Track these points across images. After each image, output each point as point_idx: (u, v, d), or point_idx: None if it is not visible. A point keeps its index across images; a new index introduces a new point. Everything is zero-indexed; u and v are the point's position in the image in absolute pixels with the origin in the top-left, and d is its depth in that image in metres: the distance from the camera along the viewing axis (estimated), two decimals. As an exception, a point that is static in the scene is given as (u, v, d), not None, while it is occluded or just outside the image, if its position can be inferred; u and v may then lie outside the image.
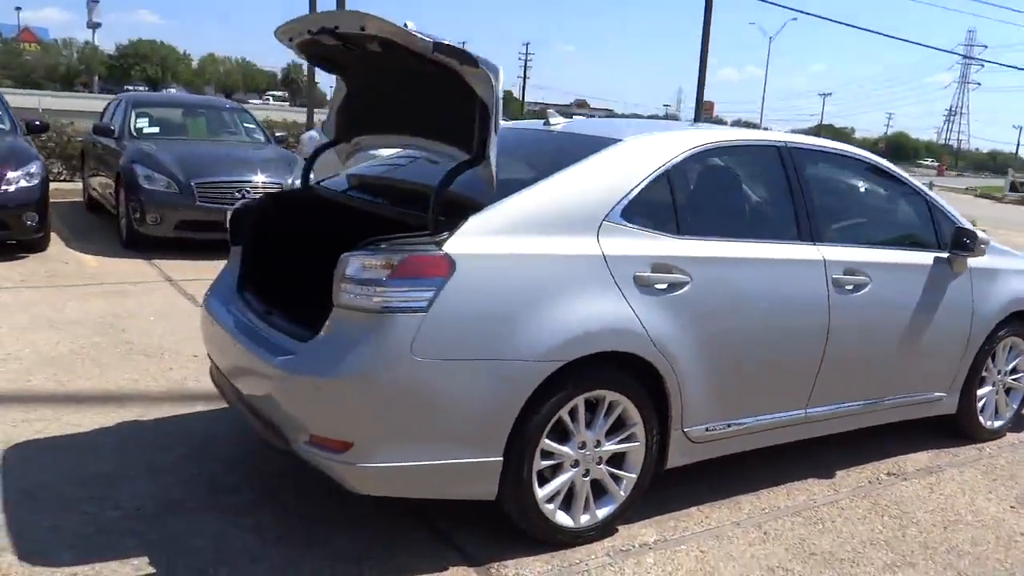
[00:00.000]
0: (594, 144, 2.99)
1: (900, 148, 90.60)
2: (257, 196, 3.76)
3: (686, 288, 2.86)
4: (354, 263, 2.45)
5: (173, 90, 51.20)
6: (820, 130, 72.69)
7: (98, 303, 5.52)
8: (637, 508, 2.96)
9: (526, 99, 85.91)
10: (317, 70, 7.05)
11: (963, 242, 3.71)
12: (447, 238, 2.49)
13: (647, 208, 2.88)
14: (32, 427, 3.44)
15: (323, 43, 2.96)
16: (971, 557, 2.95)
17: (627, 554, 2.80)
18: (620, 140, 3.00)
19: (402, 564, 2.63)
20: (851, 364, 3.41)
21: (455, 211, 2.57)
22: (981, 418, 4.07)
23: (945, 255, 3.72)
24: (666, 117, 63.64)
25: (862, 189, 3.95)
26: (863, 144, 44.23)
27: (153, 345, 4.68)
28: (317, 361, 2.49)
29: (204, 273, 6.74)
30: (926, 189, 3.92)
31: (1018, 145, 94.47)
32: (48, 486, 2.95)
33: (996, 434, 4.15)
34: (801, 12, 35.86)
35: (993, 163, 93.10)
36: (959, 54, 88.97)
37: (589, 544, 2.83)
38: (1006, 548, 3.04)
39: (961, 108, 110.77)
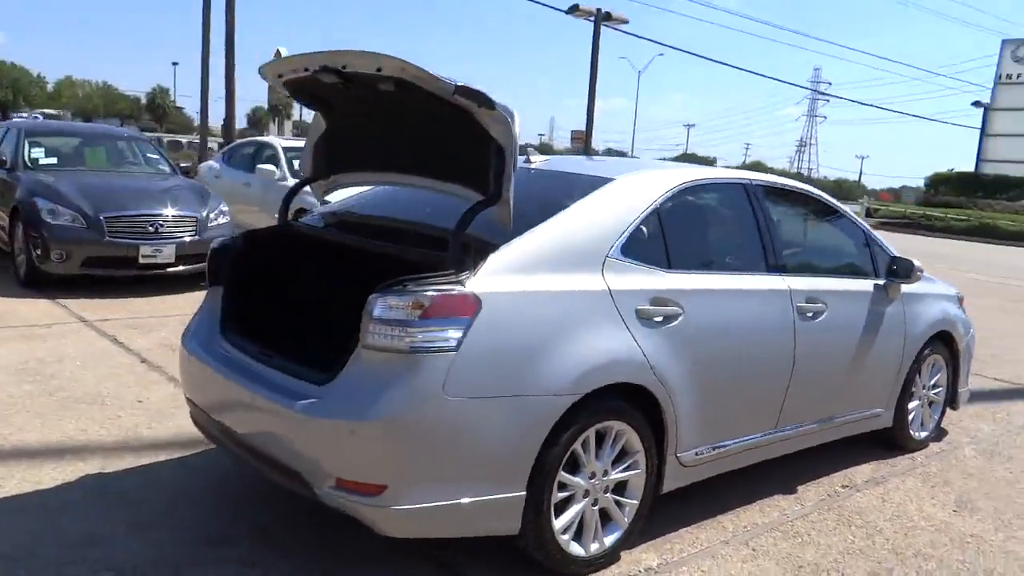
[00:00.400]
0: (589, 183, 3.11)
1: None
2: (234, 235, 3.66)
3: (679, 320, 3.01)
4: (382, 304, 2.45)
5: (28, 115, 47.84)
6: (685, 159, 76.46)
7: (14, 348, 5.14)
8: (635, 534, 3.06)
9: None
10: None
11: (898, 270, 4.07)
12: (469, 277, 2.53)
13: (642, 244, 3.02)
14: (-14, 487, 3.19)
15: (319, 81, 2.94)
16: (936, 560, 3.22)
17: (638, 579, 2.89)
18: (613, 179, 3.13)
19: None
20: (812, 385, 3.67)
21: (466, 250, 2.62)
22: (911, 430, 4.44)
23: (882, 282, 4.08)
24: (541, 146, 64.96)
25: (812, 222, 4.27)
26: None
27: (90, 392, 4.41)
28: (347, 404, 2.46)
29: (118, 312, 6.41)
30: (863, 222, 4.28)
31: (860, 173, 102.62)
32: (27, 549, 2.74)
33: (923, 444, 4.54)
34: (669, 47, 37.77)
35: (840, 190, 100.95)
36: (807, 87, 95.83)
37: (599, 572, 2.90)
38: (961, 549, 3.34)
39: (810, 140, 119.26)
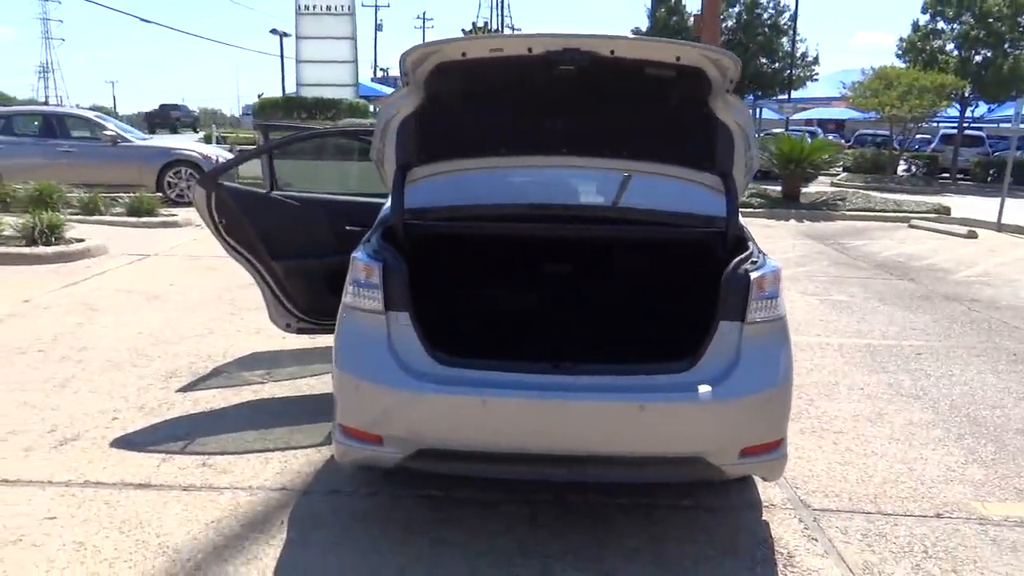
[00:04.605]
0: None
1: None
2: (393, 249, 3.02)
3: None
4: (760, 282, 2.72)
5: None
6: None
7: None
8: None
9: None
10: None
11: None
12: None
13: None
14: None
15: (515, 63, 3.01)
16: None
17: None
18: None
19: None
20: None
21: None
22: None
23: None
24: None
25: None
26: None
27: None
28: (751, 378, 2.71)
29: None
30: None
31: (115, 100, 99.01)
32: None
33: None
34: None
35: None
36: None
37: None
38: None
39: (52, 65, 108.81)
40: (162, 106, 57.51)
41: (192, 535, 3.40)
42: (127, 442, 4.34)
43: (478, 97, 3.51)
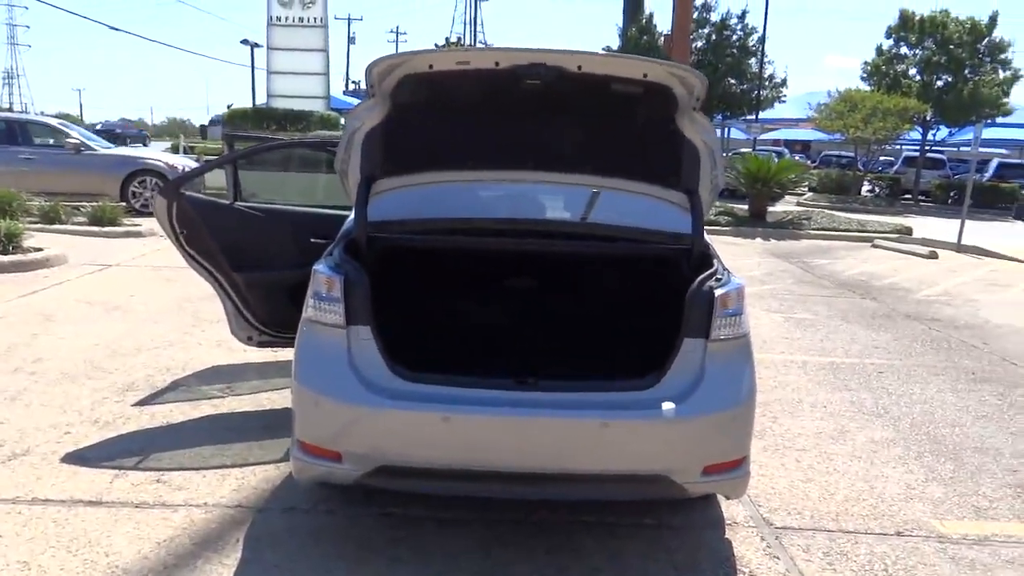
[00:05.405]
0: None
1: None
2: (355, 263, 2.94)
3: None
4: (724, 299, 2.72)
5: None
6: None
7: None
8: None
9: None
10: None
11: None
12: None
13: None
14: None
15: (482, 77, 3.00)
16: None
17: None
18: None
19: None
20: None
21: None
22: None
23: None
24: None
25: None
26: None
27: None
28: (717, 395, 2.70)
29: None
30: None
31: (82, 108, 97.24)
32: None
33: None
34: None
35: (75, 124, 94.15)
36: None
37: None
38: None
39: (18, 71, 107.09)
40: (105, 124, 55.76)
41: (143, 554, 3.30)
42: (79, 457, 4.22)
43: (445, 110, 3.49)
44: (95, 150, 15.37)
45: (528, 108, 3.41)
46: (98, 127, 45.73)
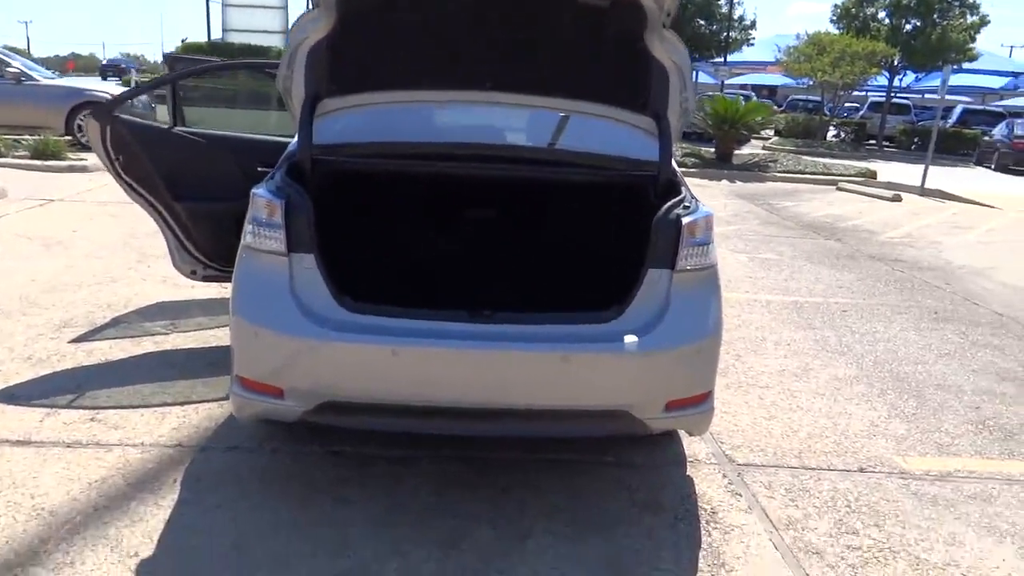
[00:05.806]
0: None
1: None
2: (299, 187, 2.67)
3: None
4: (692, 228, 2.54)
5: None
6: None
7: None
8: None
9: None
10: None
11: None
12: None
13: None
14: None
15: None
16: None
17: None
18: None
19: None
20: None
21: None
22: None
23: None
24: None
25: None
26: None
27: None
28: (682, 328, 2.53)
29: None
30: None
31: (28, 40, 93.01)
32: None
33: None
34: None
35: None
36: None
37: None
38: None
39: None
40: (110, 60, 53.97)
41: (72, 495, 3.09)
42: (8, 395, 3.96)
43: (396, 24, 3.21)
44: (37, 81, 14.60)
45: (488, 24, 3.16)
46: (103, 63, 43.97)
